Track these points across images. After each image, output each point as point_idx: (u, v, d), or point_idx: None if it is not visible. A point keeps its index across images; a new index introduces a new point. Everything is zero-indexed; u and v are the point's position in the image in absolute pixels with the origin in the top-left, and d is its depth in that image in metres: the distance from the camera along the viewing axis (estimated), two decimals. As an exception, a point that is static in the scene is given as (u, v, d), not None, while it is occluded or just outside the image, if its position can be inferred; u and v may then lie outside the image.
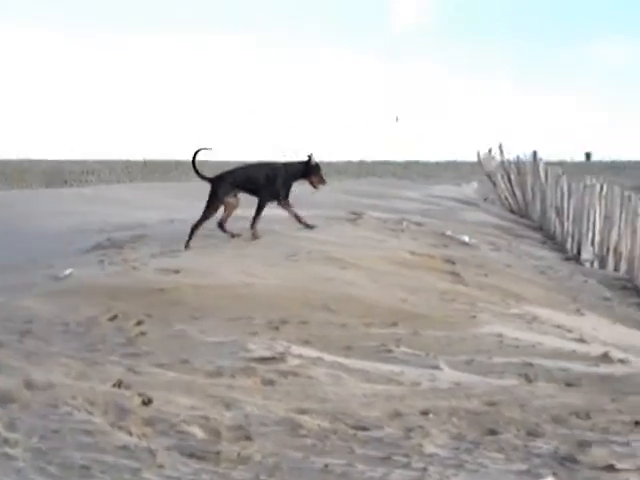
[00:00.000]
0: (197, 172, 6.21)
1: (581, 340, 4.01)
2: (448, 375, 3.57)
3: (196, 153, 6.30)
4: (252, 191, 6.35)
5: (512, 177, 14.19)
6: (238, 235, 6.01)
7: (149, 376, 3.40)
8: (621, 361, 3.70)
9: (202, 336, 3.93)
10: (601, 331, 4.30)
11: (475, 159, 19.35)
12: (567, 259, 7.66)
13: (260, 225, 5.85)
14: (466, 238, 6.87)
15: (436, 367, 3.65)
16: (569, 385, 3.50)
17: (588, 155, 41.22)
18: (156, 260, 4.94)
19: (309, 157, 6.44)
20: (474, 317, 4.18)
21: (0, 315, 4.50)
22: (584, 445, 2.71)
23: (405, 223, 6.70)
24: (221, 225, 6.19)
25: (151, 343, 3.88)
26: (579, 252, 8.04)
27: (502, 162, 15.84)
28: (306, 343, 3.93)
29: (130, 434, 2.77)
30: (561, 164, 17.14)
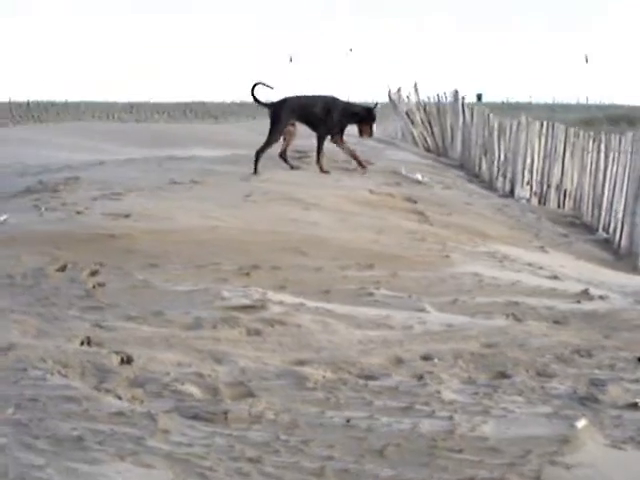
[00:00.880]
0: (256, 99, 6.73)
1: (555, 277, 4.00)
2: (436, 317, 3.45)
3: (255, 85, 6.70)
4: (308, 122, 6.61)
5: (431, 116, 14.21)
6: (297, 167, 6.41)
7: (120, 331, 3.08)
8: (601, 297, 3.70)
9: (168, 285, 3.61)
10: (569, 268, 4.31)
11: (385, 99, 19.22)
12: (502, 196, 7.74)
13: (206, 166, 5.48)
14: (419, 176, 6.76)
15: (422, 309, 3.52)
16: (557, 323, 3.48)
17: (479, 96, 41.96)
18: (100, 203, 4.50)
19: (375, 106, 6.96)
20: (448, 257, 4.07)
21: None
22: (597, 384, 2.66)
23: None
24: (282, 155, 6.51)
25: (113, 295, 3.52)
26: (512, 190, 8.16)
27: (418, 101, 15.84)
28: (282, 289, 3.69)
29: (119, 398, 2.47)
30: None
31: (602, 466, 2.03)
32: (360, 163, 6.74)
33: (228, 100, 35.11)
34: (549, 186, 7.08)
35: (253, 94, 6.71)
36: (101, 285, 3.66)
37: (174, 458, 1.98)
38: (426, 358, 2.96)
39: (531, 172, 7.41)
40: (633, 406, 2.44)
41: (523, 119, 7.92)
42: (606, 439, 2.18)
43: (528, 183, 7.41)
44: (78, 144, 9.13)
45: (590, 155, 6.45)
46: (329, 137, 6.62)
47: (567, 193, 6.86)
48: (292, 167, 6.49)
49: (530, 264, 4.18)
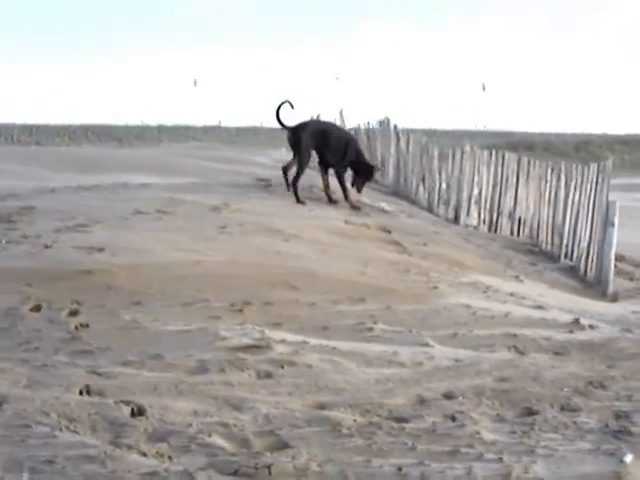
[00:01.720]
0: (280, 122, 6.72)
1: (540, 307, 4.04)
2: (441, 352, 3.40)
3: (280, 105, 6.67)
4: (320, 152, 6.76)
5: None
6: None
7: (120, 378, 2.84)
8: (591, 327, 3.76)
9: (159, 325, 3.39)
10: (547, 297, 4.38)
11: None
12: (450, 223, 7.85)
13: (166, 195, 5.25)
14: (385, 205, 6.75)
15: (426, 344, 3.46)
16: (558, 354, 3.50)
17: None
18: (67, 236, 4.20)
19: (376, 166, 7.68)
20: (436, 288, 4.04)
21: None
22: (622, 416, 2.68)
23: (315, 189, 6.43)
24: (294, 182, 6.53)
25: (100, 337, 3.26)
26: (455, 217, 8.29)
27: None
28: (278, 326, 3.54)
29: (143, 454, 2.26)
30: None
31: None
32: (352, 204, 6.70)
33: (131, 123, 34.06)
34: (500, 214, 7.27)
35: (278, 115, 6.69)
36: (85, 326, 3.38)
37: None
38: (448, 396, 2.90)
39: (479, 200, 7.58)
40: (667, 438, 2.47)
41: (467, 147, 8.12)
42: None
43: (476, 210, 7.59)
44: (5, 170, 8.59)
45: (549, 184, 6.67)
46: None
47: (522, 221, 7.05)
48: (300, 200, 6.42)
49: (512, 294, 4.22)
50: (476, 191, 7.49)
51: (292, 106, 6.63)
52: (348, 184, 6.73)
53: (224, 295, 3.68)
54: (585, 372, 3.23)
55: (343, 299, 3.79)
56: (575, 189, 5.80)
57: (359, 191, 6.81)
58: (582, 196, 5.65)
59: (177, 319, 3.45)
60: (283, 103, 6.69)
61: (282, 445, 2.41)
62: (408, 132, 11.15)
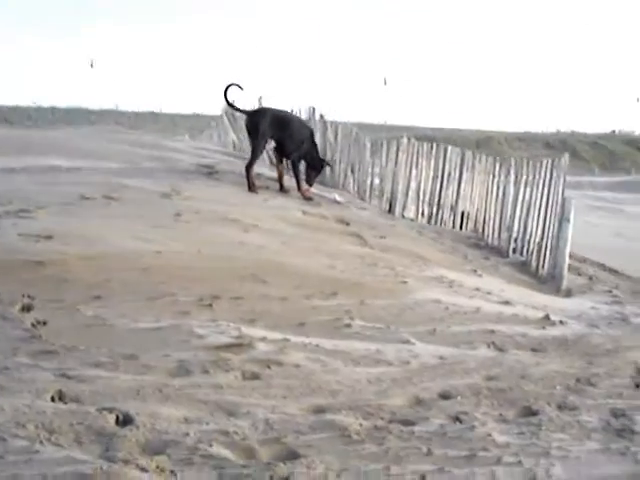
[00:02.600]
0: (234, 106, 6.80)
1: (506, 302, 4.03)
2: (424, 349, 3.30)
3: (228, 87, 6.45)
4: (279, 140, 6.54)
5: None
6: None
7: (95, 382, 2.57)
8: (561, 322, 3.78)
9: (126, 322, 3.10)
10: (508, 292, 4.38)
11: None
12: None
13: (109, 179, 4.88)
14: (337, 196, 6.59)
15: (407, 341, 3.35)
16: (535, 350, 3.49)
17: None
18: (10, 223, 3.79)
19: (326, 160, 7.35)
20: (405, 283, 3.95)
21: None
22: (619, 414, 2.67)
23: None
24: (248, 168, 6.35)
25: (62, 335, 2.94)
26: (390, 209, 8.24)
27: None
28: (252, 322, 3.33)
29: (143, 470, 2.03)
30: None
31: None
32: (305, 195, 6.56)
33: (22, 104, 32.25)
34: (441, 207, 7.27)
35: (226, 97, 6.53)
36: (42, 323, 3.05)
37: None
38: (445, 397, 2.80)
39: (417, 193, 7.56)
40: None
41: (404, 140, 8.11)
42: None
43: (413, 204, 7.58)
44: None
45: (496, 179, 6.72)
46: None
47: (466, 215, 7.08)
48: (254, 188, 6.23)
49: (477, 289, 4.19)
50: (414, 184, 7.50)
51: (241, 88, 6.40)
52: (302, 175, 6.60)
53: (190, 289, 3.44)
54: (569, 369, 3.24)
55: (315, 293, 3.62)
56: (526, 185, 5.89)
57: (310, 184, 6.66)
58: (534, 192, 5.73)
59: (144, 315, 3.18)
60: (230, 85, 6.44)
61: (291, 454, 2.24)
62: (336, 123, 11.02)
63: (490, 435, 2.42)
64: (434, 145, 7.44)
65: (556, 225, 5.18)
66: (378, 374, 2.93)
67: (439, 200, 7.13)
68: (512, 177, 6.12)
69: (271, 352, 2.96)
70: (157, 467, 2.05)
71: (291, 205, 5.38)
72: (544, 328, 3.67)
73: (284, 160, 6.56)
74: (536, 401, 2.77)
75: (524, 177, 5.86)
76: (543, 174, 5.54)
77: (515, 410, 2.70)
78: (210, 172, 6.41)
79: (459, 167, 6.98)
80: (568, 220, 5.06)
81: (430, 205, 7.19)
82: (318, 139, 12.50)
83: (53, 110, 32.10)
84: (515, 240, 5.89)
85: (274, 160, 6.92)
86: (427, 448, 2.30)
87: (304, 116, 13.85)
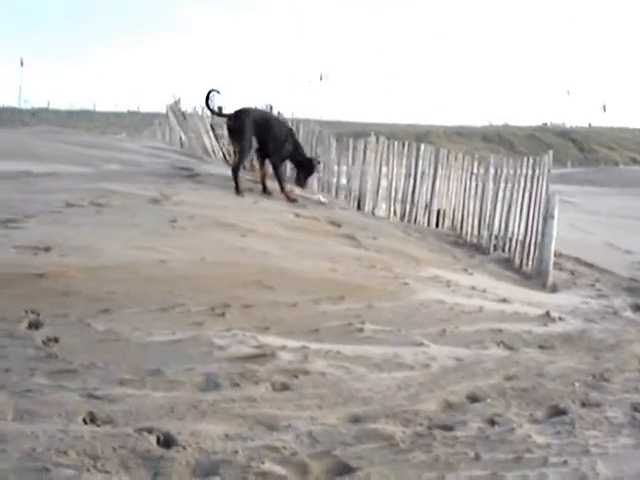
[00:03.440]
0: (213, 110, 6.64)
1: (503, 300, 4.08)
2: (439, 351, 3.31)
3: (209, 93, 6.40)
4: (261, 141, 6.47)
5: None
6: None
7: (125, 400, 2.48)
8: (560, 319, 3.86)
9: (141, 335, 3.00)
10: (501, 290, 4.44)
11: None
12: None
13: (88, 185, 4.71)
14: (322, 198, 6.52)
15: (420, 343, 3.36)
16: (543, 347, 3.55)
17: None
18: (1, 233, 3.60)
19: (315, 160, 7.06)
20: (406, 284, 3.95)
21: None
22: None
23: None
24: (235, 171, 6.29)
25: (77, 352, 2.83)
26: (359, 207, 8.23)
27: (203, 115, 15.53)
28: (266, 330, 3.28)
29: (201, 494, 1.98)
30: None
31: None
32: (288, 196, 6.45)
33: None
34: (415, 205, 7.29)
35: (207, 103, 6.44)
36: (54, 340, 2.92)
37: None
38: (474, 399, 2.82)
39: (389, 191, 7.56)
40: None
41: (373, 138, 8.10)
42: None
43: (384, 202, 7.58)
44: None
45: (475, 177, 6.77)
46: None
47: (442, 213, 7.11)
48: (240, 190, 6.14)
49: (473, 287, 4.23)
50: (385, 182, 7.51)
51: (219, 93, 6.31)
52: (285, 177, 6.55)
53: (199, 298, 3.36)
54: (580, 366, 3.31)
55: (323, 298, 3.59)
56: (507, 182, 5.97)
57: (302, 186, 6.59)
58: (515, 189, 5.81)
59: (158, 327, 3.08)
60: (211, 92, 6.35)
61: (344, 468, 2.21)
62: (297, 120, 10.98)
63: (530, 436, 2.45)
64: (406, 143, 7.47)
65: (540, 222, 5.28)
66: (404, 379, 2.93)
67: (412, 198, 7.17)
68: (491, 174, 6.21)
69: (295, 361, 2.92)
70: (215, 489, 2.01)
71: (282, 208, 5.31)
72: (546, 325, 3.75)
73: (266, 161, 6.48)
74: (561, 399, 2.83)
75: (504, 174, 5.95)
76: (525, 170, 5.63)
77: (544, 410, 2.75)
78: (191, 175, 6.27)
79: (433, 165, 7.03)
80: (552, 216, 5.18)
81: (403, 203, 7.22)
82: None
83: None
84: (496, 237, 5.98)
85: (255, 162, 6.84)
86: (474, 453, 2.32)
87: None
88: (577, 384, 2.99)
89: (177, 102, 17.17)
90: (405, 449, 2.29)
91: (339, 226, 5.05)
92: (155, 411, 2.41)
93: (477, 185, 6.47)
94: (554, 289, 4.93)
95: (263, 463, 2.13)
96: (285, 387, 2.72)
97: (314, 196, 6.57)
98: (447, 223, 6.83)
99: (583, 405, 2.78)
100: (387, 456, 2.25)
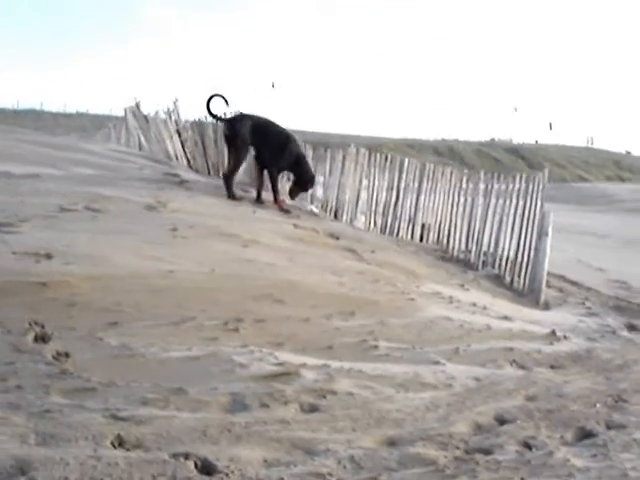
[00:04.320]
0: (214, 115, 6.40)
1: (506, 318, 4.07)
2: (456, 370, 3.26)
3: (211, 98, 6.29)
4: (258, 148, 6.37)
5: (206, 136, 13.76)
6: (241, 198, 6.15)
7: (153, 422, 2.34)
8: (565, 338, 3.87)
9: (156, 351, 2.85)
10: (500, 307, 4.43)
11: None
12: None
13: (76, 189, 4.51)
14: (314, 209, 6.40)
15: (437, 362, 3.30)
16: (554, 367, 3.54)
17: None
18: (-6, 240, 3.39)
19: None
20: (413, 300, 3.90)
21: None
22: (664, 431, 2.77)
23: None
24: (228, 177, 6.24)
25: (92, 369, 2.67)
26: (335, 216, 8.12)
27: (184, 120, 15.30)
28: (280, 346, 3.17)
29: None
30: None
31: None
32: (282, 207, 6.33)
33: None
34: (397, 218, 7.23)
35: (209, 108, 6.25)
36: (65, 355, 2.75)
37: None
38: (502, 421, 2.77)
39: (370, 203, 7.48)
40: None
41: (352, 150, 8.02)
42: None
43: (362, 213, 7.52)
44: None
45: (463, 192, 6.75)
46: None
47: (426, 227, 7.06)
48: (234, 197, 6.03)
49: (474, 304, 4.21)
50: (364, 194, 7.44)
51: (227, 102, 6.14)
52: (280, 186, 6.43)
53: (210, 311, 3.23)
54: (596, 386, 3.31)
55: (334, 313, 3.51)
56: (497, 198, 5.98)
57: (292, 198, 6.43)
58: (507, 205, 5.82)
59: (172, 342, 2.94)
60: (213, 96, 6.17)
61: (395, 495, 2.14)
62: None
63: (569, 460, 2.42)
64: (389, 156, 7.43)
65: (533, 239, 5.32)
66: (430, 399, 2.86)
67: (394, 211, 7.12)
68: (481, 189, 6.22)
69: (320, 380, 2.82)
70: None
71: (279, 218, 5.20)
72: (552, 344, 3.75)
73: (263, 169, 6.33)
74: (586, 421, 2.81)
75: (495, 189, 5.96)
76: (518, 186, 5.65)
77: (573, 432, 2.72)
78: (180, 181, 6.08)
79: (418, 179, 7.00)
80: (547, 234, 5.22)
81: (384, 215, 7.16)
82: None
83: None
84: (485, 253, 5.98)
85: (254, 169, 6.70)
86: (520, 478, 2.27)
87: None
88: (598, 405, 2.98)
89: (138, 105, 16.85)
90: (451, 474, 2.22)
91: (337, 238, 4.97)
92: (187, 434, 2.29)
93: (465, 200, 6.47)
94: (547, 307, 4.96)
95: (314, 492, 2.04)
96: (314, 408, 2.62)
97: (307, 207, 6.47)
98: (432, 237, 6.82)
99: (608, 427, 2.77)
100: (435, 483, 2.18)
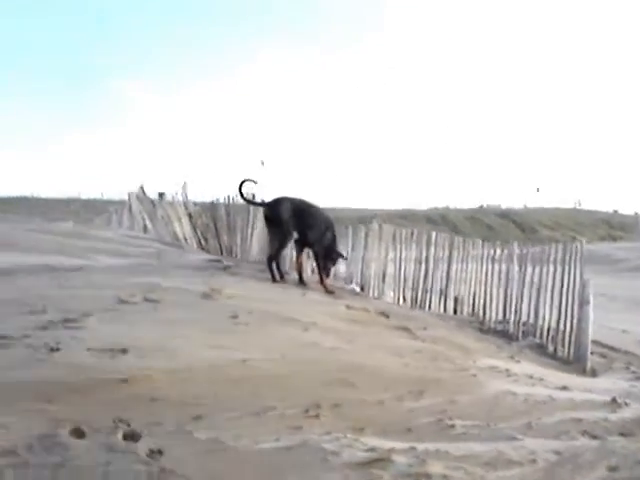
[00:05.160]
0: (248, 200, 6.77)
1: (565, 388, 4.09)
2: (535, 445, 3.26)
3: (242, 183, 6.38)
4: (301, 230, 6.42)
5: (217, 218, 13.97)
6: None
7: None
8: (626, 404, 3.89)
9: (247, 443, 2.85)
10: (552, 377, 4.46)
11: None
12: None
13: (128, 280, 4.56)
14: (356, 287, 6.47)
15: (514, 438, 3.31)
16: (625, 435, 3.54)
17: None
18: (64, 334, 3.41)
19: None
20: (474, 376, 3.93)
21: None
22: None
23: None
24: (271, 260, 6.29)
25: (189, 466, 2.65)
26: (362, 289, 8.19)
27: (191, 202, 15.56)
28: (361, 431, 3.17)
29: None
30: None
31: None
32: (326, 288, 6.34)
33: None
34: (427, 291, 7.32)
35: (241, 192, 6.39)
36: (158, 452, 2.74)
37: None
38: (600, 499, 2.78)
39: (398, 277, 7.58)
40: None
41: (375, 225, 8.17)
42: None
43: (390, 288, 7.60)
44: None
45: (498, 264, 6.87)
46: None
47: (459, 299, 7.15)
48: (281, 277, 6.09)
49: (530, 376, 4.24)
50: (391, 269, 7.54)
51: (255, 183, 6.30)
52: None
53: (287, 399, 3.24)
54: (674, 455, 3.32)
55: (404, 394, 3.53)
56: (533, 269, 6.09)
57: (327, 275, 6.50)
58: (544, 275, 5.93)
59: (259, 433, 2.95)
60: (245, 181, 6.31)
61: None
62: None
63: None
64: (415, 231, 7.57)
65: (575, 307, 5.39)
66: (519, 476, 2.86)
67: (424, 284, 7.20)
68: (516, 259, 6.32)
69: (413, 465, 2.82)
70: None
71: (328, 299, 5.25)
72: (616, 411, 3.76)
73: (304, 252, 6.42)
74: (680, 494, 2.82)
75: (533, 259, 6.06)
76: (557, 256, 5.74)
77: (669, 507, 2.73)
78: (225, 267, 6.15)
79: (448, 250, 7.12)
80: (588, 302, 5.30)
81: (414, 289, 7.23)
82: (258, 224, 12.51)
83: None
84: (524, 324, 6.02)
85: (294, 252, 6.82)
86: None
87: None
88: (688, 476, 2.99)
89: (142, 188, 17.13)
90: None
91: (387, 317, 5.02)
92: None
93: (500, 272, 6.55)
94: (594, 374, 4.98)
95: None
96: (415, 495, 2.62)
97: (348, 286, 6.54)
98: (466, 309, 6.87)
99: (702, 500, 2.77)
100: None
